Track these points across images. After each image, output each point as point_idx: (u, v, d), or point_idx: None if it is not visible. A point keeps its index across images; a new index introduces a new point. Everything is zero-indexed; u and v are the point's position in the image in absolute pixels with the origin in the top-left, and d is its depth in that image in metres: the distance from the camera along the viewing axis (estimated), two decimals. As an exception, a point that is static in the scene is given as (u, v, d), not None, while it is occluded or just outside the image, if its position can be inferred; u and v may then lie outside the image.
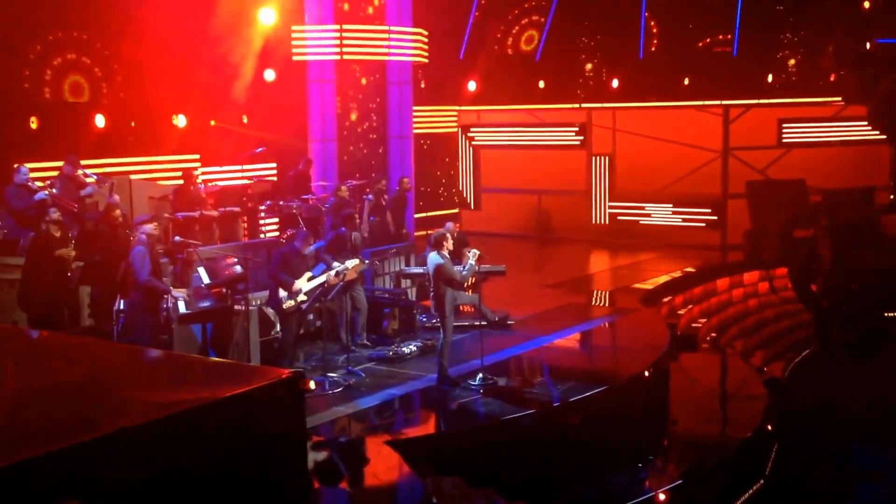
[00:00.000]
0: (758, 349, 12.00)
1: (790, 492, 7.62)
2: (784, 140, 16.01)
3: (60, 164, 10.23)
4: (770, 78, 18.08)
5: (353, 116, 13.90)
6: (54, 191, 9.53)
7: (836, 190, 12.59)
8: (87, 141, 11.38)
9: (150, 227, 7.72)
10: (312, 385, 7.89)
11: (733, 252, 15.45)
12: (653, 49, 17.28)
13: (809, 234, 12.10)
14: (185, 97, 12.72)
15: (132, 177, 11.29)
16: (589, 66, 19.12)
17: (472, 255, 8.14)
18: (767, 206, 13.90)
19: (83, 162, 10.45)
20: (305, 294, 8.43)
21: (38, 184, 9.50)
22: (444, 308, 8.06)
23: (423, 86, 16.87)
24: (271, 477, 4.61)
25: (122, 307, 7.93)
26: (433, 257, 8.11)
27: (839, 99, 16.45)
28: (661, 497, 7.40)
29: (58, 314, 8.49)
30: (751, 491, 7.56)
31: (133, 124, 12.18)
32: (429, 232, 11.97)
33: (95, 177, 10.14)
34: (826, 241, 11.44)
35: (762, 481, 7.76)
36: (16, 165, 9.56)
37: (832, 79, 17.58)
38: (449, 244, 8.18)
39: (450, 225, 10.43)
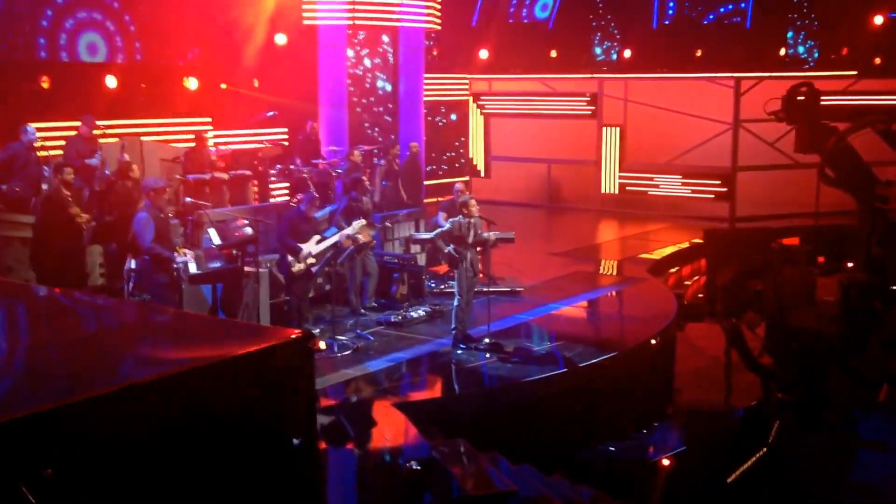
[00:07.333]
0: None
1: (793, 460, 7.70)
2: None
3: (73, 123, 10.22)
4: (783, 51, 17.81)
5: (364, 82, 13.83)
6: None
7: (788, 246, 11.90)
8: (99, 102, 11.37)
9: (162, 197, 7.74)
10: (322, 345, 8.01)
11: (742, 224, 15.43)
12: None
13: (758, 289, 11.58)
14: (197, 60, 12.68)
15: (143, 139, 11.30)
16: (601, 35, 18.90)
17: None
18: (725, 257, 13.17)
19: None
20: (314, 257, 8.47)
21: (39, 143, 9.43)
22: (458, 268, 8.25)
23: (435, 54, 16.73)
24: (279, 436, 4.66)
25: (132, 266, 7.98)
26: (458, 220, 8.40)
27: (852, 73, 16.25)
28: (665, 462, 7.50)
29: (69, 273, 8.58)
30: (754, 458, 7.64)
31: (144, 86, 12.17)
32: (439, 199, 11.98)
33: (98, 158, 9.94)
34: (771, 298, 10.89)
35: (765, 449, 7.84)
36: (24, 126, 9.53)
37: (844, 52, 17.32)
38: (467, 209, 8.34)
39: (459, 186, 10.43)
